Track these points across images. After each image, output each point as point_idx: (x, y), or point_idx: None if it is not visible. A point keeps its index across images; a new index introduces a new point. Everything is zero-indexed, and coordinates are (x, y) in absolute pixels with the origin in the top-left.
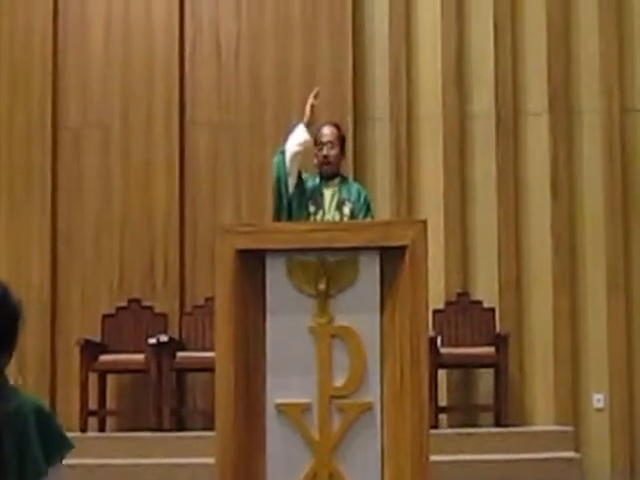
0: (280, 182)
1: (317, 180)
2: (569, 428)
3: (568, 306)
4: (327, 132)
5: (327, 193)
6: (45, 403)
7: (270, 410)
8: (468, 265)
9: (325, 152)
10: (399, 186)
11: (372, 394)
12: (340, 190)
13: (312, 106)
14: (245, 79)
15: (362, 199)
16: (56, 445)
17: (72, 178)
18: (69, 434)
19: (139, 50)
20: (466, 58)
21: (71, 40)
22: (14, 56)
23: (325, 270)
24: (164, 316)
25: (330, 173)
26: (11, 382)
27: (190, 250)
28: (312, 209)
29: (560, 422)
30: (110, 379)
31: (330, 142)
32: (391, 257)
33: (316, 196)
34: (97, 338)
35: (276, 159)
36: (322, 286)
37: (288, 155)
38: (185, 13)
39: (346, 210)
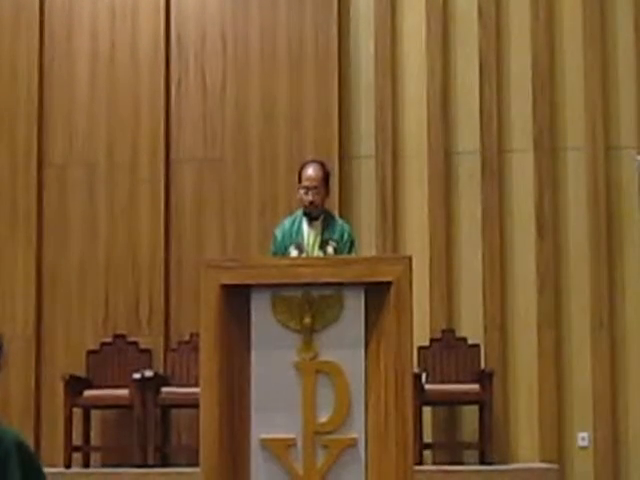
0: None
1: (298, 218)
2: (553, 466)
3: (553, 344)
4: (312, 175)
5: (309, 233)
6: (28, 438)
7: (254, 445)
8: (453, 302)
9: (311, 198)
10: (384, 223)
11: (356, 430)
12: (323, 230)
13: None
14: (231, 116)
15: (346, 236)
16: None
17: (57, 215)
18: (53, 470)
19: (125, 87)
20: (451, 96)
21: (56, 77)
22: None
23: (310, 305)
24: (149, 352)
25: (315, 214)
26: None
27: (175, 286)
28: (295, 254)
29: (544, 460)
30: (94, 415)
31: (315, 187)
32: (376, 293)
33: (297, 239)
34: (82, 373)
35: None
36: (307, 321)
37: None
38: (171, 51)
39: (329, 249)
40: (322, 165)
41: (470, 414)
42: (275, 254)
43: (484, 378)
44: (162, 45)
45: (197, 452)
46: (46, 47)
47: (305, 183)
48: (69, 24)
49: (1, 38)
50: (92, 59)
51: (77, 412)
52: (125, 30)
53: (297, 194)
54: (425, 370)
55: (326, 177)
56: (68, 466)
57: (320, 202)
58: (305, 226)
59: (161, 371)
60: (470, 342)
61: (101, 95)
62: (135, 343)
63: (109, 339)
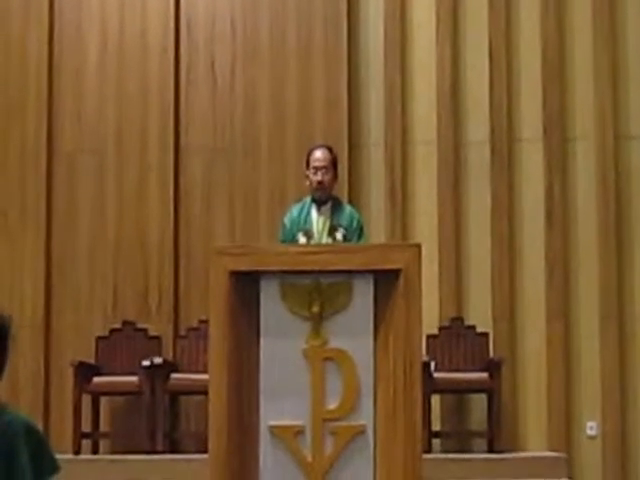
0: None
1: (307, 204)
2: (562, 455)
3: (561, 333)
4: (320, 156)
5: (318, 220)
6: (37, 423)
7: (263, 432)
8: (462, 290)
9: (320, 177)
10: (393, 211)
11: (365, 417)
12: (332, 216)
13: None
14: (240, 104)
15: (355, 223)
16: (47, 466)
17: (66, 202)
18: (62, 456)
19: (134, 75)
20: (461, 85)
21: (66, 65)
22: (9, 81)
23: (319, 293)
24: (158, 339)
25: (324, 198)
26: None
27: (184, 273)
28: (303, 241)
29: (553, 449)
30: (103, 401)
31: (324, 167)
32: (385, 281)
33: (306, 226)
34: (91, 360)
35: None
36: (316, 309)
37: None
38: (180, 38)
39: (339, 236)
40: (330, 149)
41: (478, 402)
42: (284, 242)
43: (493, 367)
44: (171, 33)
45: (206, 439)
46: (55, 35)
47: (314, 164)
48: (78, 12)
49: (11, 27)
50: (101, 47)
51: (86, 399)
52: (134, 18)
53: (305, 180)
54: (434, 358)
55: (334, 160)
56: (77, 452)
57: (329, 183)
58: (314, 212)
59: (170, 358)
60: (479, 330)
61: (110, 83)
62: (144, 330)
63: (118, 326)
